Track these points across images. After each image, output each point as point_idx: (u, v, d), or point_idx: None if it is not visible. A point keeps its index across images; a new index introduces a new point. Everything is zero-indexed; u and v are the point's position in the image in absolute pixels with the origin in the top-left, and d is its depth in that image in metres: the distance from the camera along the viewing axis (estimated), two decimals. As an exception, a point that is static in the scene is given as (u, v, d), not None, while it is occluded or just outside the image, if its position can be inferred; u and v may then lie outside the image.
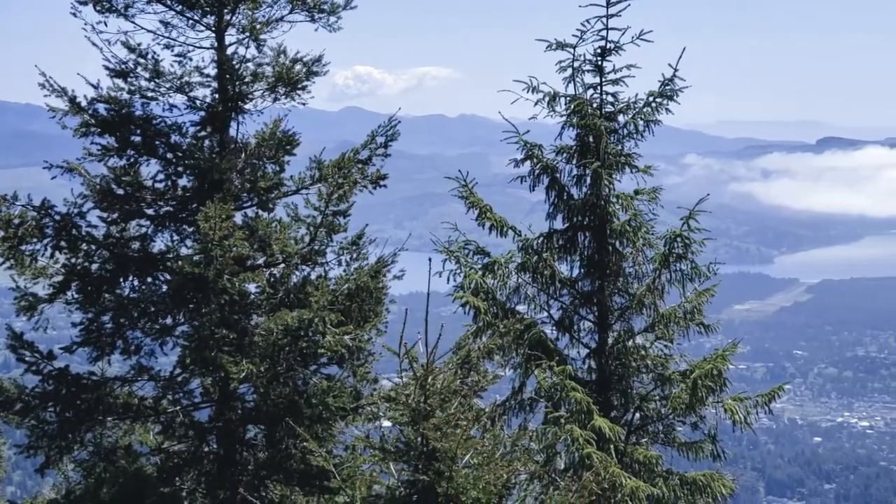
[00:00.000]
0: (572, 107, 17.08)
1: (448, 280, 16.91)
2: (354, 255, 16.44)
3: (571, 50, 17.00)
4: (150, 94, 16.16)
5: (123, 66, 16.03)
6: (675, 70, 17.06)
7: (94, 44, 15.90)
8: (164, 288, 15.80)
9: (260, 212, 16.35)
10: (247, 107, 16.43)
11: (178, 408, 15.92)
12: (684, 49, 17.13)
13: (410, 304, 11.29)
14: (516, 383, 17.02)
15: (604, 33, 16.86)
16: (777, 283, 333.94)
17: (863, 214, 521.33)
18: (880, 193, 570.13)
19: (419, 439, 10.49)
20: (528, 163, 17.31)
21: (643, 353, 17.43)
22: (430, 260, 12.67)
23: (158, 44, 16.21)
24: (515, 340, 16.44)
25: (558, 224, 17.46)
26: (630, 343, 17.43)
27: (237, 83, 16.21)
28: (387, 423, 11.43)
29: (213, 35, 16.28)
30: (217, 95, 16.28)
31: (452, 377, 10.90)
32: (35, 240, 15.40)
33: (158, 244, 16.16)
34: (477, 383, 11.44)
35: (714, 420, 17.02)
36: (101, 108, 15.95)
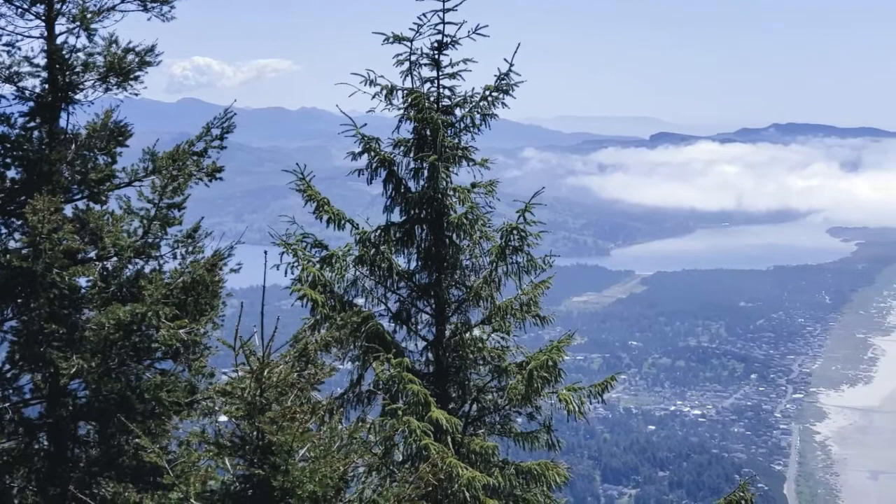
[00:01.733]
0: (409, 100, 17.12)
1: (286, 273, 16.80)
2: (190, 249, 16.16)
3: (408, 43, 17.01)
4: (-24, 84, 15.71)
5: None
6: (511, 65, 17.22)
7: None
8: (-9, 283, 15.31)
9: (91, 204, 15.95)
10: (77, 97, 16.03)
11: (7, 404, 15.43)
12: (519, 45, 17.29)
13: (250, 298, 11.19)
14: (354, 376, 16.98)
15: (440, 27, 16.91)
16: (613, 276, 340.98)
17: (694, 208, 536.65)
18: (710, 187, 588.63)
19: (255, 433, 10.39)
20: (365, 156, 17.29)
21: (480, 345, 17.57)
22: (265, 253, 12.58)
23: (-15, 33, 15.76)
24: (353, 333, 16.43)
25: (396, 217, 17.49)
26: (467, 335, 17.56)
27: (67, 73, 15.81)
28: (223, 418, 11.28)
29: (43, 24, 15.86)
30: (47, 86, 15.86)
31: (289, 370, 10.82)
32: None
33: (-15, 238, 15.65)
34: (314, 376, 11.37)
35: (549, 410, 17.28)
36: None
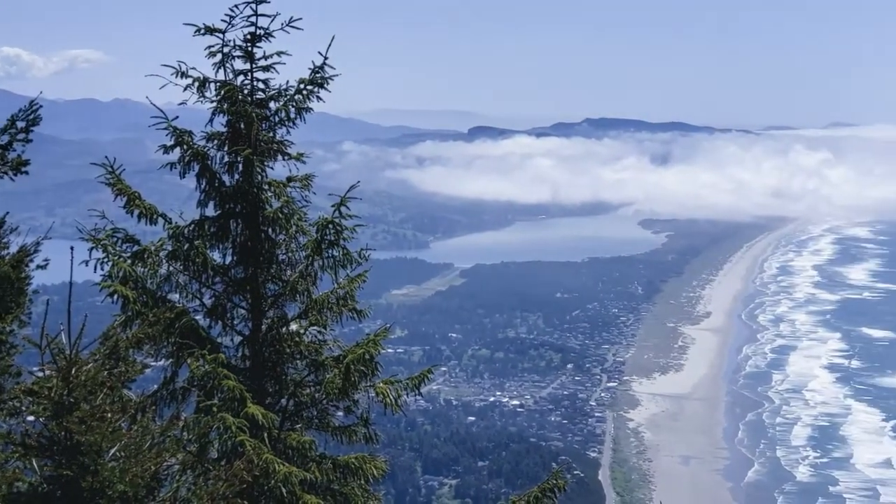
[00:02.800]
0: (223, 93, 16.89)
1: (96, 269, 16.39)
2: (-7, 245, 15.64)
3: (221, 35, 16.79)
4: None
5: None
6: (325, 58, 17.17)
7: None
8: None
9: None
10: None
11: None
12: (333, 38, 17.21)
13: (62, 295, 10.91)
14: (168, 373, 16.71)
15: (253, 19, 16.74)
16: (433, 268, 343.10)
17: (512, 200, 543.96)
18: (527, 180, 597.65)
19: (62, 433, 10.15)
20: (177, 149, 17.00)
21: (297, 339, 17.49)
22: (72, 248, 12.26)
23: None
24: (166, 329, 16.15)
25: (210, 211, 17.27)
26: (284, 330, 17.47)
27: None
28: (30, 418, 10.99)
29: None
30: None
31: (99, 368, 10.61)
32: None
33: None
34: (125, 374, 11.17)
35: (367, 404, 17.33)
36: None
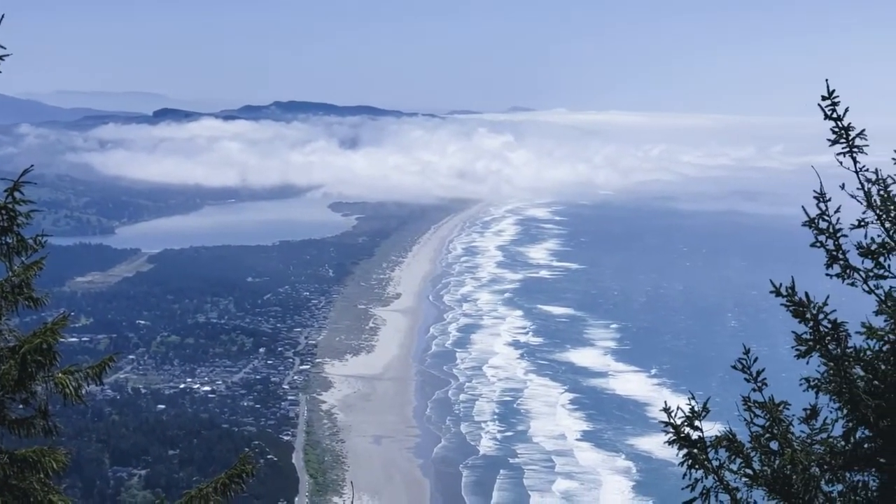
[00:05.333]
0: None
1: None
2: None
3: None
4: None
5: None
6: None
7: None
8: None
9: None
10: None
11: None
12: (3, 15, 16.50)
13: None
14: None
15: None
16: (119, 254, 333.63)
17: (200, 184, 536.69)
18: (216, 163, 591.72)
19: None
20: None
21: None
22: None
23: None
24: None
25: None
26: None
27: None
28: None
29: None
30: None
31: None
32: None
33: None
34: None
35: (45, 395, 16.76)
36: None
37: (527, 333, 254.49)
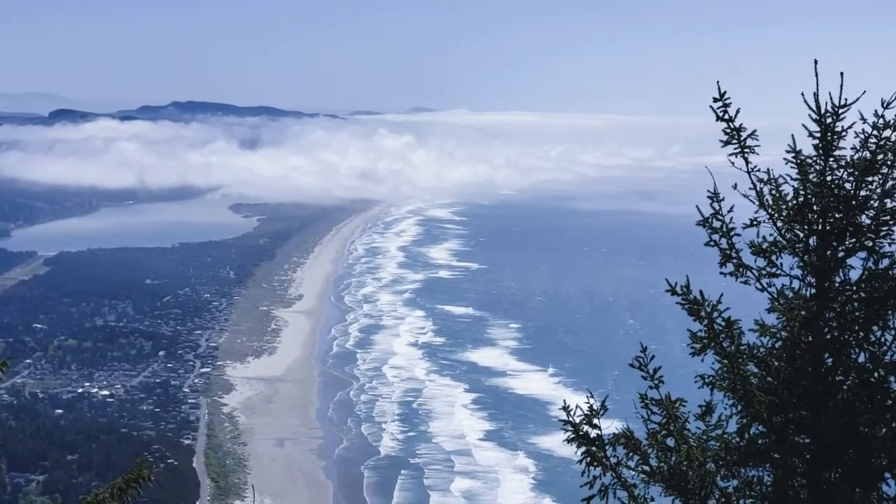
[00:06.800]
0: None
1: None
2: None
3: None
4: None
5: None
6: None
7: None
8: None
9: None
10: None
11: None
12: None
13: None
14: None
15: None
16: (15, 257, 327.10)
17: (96, 186, 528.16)
18: (112, 165, 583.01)
19: None
20: None
21: None
22: None
23: None
24: None
25: None
26: None
27: None
28: None
29: None
30: None
31: None
32: None
33: None
34: None
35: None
36: None
37: (428, 334, 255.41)
